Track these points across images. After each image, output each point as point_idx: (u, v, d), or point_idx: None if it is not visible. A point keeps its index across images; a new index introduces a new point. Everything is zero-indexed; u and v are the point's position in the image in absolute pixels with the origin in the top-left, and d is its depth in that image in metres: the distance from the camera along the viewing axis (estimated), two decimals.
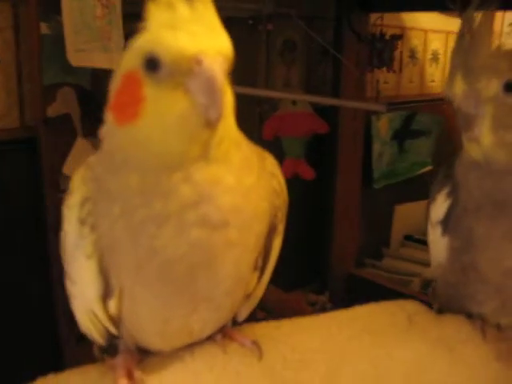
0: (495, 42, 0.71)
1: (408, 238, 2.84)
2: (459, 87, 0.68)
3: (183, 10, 0.54)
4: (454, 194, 0.78)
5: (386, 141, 2.72)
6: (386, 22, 2.64)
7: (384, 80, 2.82)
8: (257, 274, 0.73)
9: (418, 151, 2.84)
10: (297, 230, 2.64)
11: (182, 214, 0.58)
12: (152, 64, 0.55)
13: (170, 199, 0.57)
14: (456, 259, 0.80)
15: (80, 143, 1.78)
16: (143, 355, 0.73)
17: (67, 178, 1.76)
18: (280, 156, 2.22)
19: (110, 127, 0.59)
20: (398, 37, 2.51)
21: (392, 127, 2.74)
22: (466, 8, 0.80)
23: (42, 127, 1.62)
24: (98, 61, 1.65)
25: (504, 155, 0.70)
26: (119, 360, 0.71)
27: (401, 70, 2.79)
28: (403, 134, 2.75)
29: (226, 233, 0.60)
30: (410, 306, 0.85)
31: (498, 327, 0.81)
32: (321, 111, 2.32)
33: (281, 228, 0.72)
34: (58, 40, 1.59)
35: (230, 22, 2.04)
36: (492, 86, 0.68)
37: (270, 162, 0.70)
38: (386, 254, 2.81)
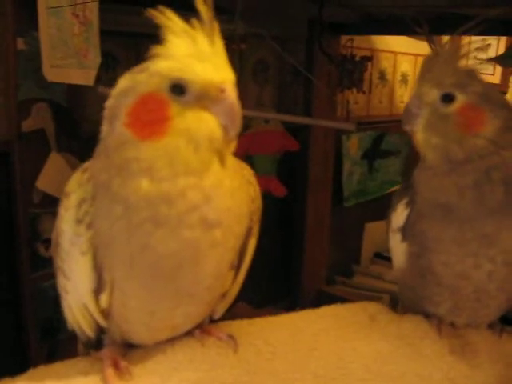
0: (459, 61, 0.80)
1: (378, 255, 2.89)
2: (414, 88, 0.79)
3: (204, 43, 0.65)
4: (412, 202, 0.84)
5: (356, 160, 2.78)
6: (356, 44, 2.71)
7: (354, 100, 2.89)
8: (232, 274, 0.78)
9: (388, 170, 2.90)
10: (268, 247, 2.69)
11: (184, 216, 0.65)
12: (179, 89, 0.64)
13: (176, 203, 0.65)
14: (414, 263, 0.86)
15: (54, 158, 1.78)
16: (128, 348, 0.79)
17: (40, 193, 1.76)
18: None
19: (124, 141, 0.66)
20: (368, 58, 2.60)
21: (362, 147, 2.81)
22: (432, 32, 0.88)
23: (16, 142, 1.61)
24: (73, 77, 1.67)
25: (431, 155, 0.78)
26: (106, 351, 0.77)
27: (371, 91, 2.87)
28: (373, 154, 2.82)
29: (213, 233, 0.68)
30: (372, 307, 0.91)
31: (453, 325, 0.87)
32: (293, 130, 2.38)
33: (255, 230, 0.78)
34: (34, 55, 1.61)
35: None
36: (432, 94, 0.78)
37: (248, 171, 0.79)
38: (356, 272, 2.86)
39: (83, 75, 1.67)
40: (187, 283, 0.70)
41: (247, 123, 2.26)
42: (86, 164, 0.72)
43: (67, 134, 1.77)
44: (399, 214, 0.87)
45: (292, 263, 2.69)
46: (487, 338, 0.86)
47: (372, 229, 2.93)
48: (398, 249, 0.89)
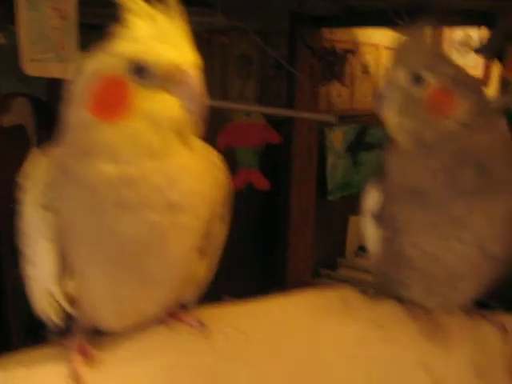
0: (429, 45, 0.81)
1: (362, 248, 2.90)
2: (386, 72, 0.80)
3: (167, 25, 0.64)
4: (381, 185, 0.85)
5: (340, 153, 2.79)
6: (339, 37, 2.72)
7: (337, 94, 2.90)
8: (201, 259, 0.78)
9: (372, 164, 2.91)
10: (253, 240, 2.70)
11: (149, 199, 0.65)
12: (140, 71, 0.64)
13: (140, 186, 0.65)
14: (386, 247, 0.86)
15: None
16: (97, 336, 0.78)
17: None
18: (234, 166, 2.28)
19: (86, 124, 0.66)
20: (349, 51, 2.60)
21: (346, 140, 2.81)
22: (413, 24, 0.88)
23: None
24: (53, 71, 1.66)
25: (404, 139, 0.78)
26: (74, 339, 0.76)
27: (353, 84, 2.88)
28: (357, 147, 2.82)
29: (178, 216, 0.67)
30: (345, 292, 0.91)
31: (425, 309, 0.87)
32: (275, 124, 2.38)
33: (222, 215, 0.77)
34: (13, 50, 1.61)
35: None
36: (403, 77, 0.78)
37: (214, 154, 0.78)
38: (341, 264, 2.88)
39: (62, 69, 1.66)
40: (152, 267, 0.69)
41: (229, 116, 2.26)
42: (48, 147, 0.72)
43: (47, 129, 1.77)
44: (370, 199, 0.87)
45: (277, 256, 2.69)
46: (459, 321, 0.86)
47: (357, 222, 2.93)
48: (371, 233, 0.89)
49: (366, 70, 2.99)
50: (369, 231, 0.89)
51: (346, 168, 2.82)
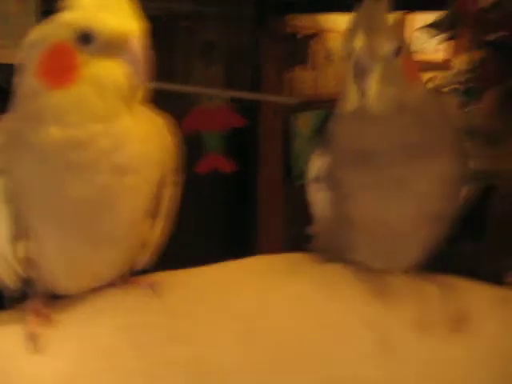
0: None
1: None
2: (359, 43, 0.78)
3: None
4: (325, 152, 0.88)
5: (306, 138, 2.82)
6: (303, 23, 2.75)
7: (301, 80, 2.94)
8: (150, 222, 0.81)
9: None
10: (222, 225, 2.73)
11: (96, 162, 0.68)
12: (85, 39, 0.67)
13: (87, 149, 0.68)
14: (332, 211, 0.90)
15: None
16: (53, 299, 0.81)
17: None
18: (200, 151, 2.30)
19: (34, 90, 0.68)
20: (311, 36, 2.63)
21: (312, 125, 2.84)
22: None
23: None
24: (14, 57, 1.67)
25: (382, 105, 0.79)
26: (29, 302, 0.79)
27: (318, 69, 2.91)
28: (324, 132, 2.86)
29: (126, 179, 0.71)
30: (294, 256, 0.95)
31: (371, 270, 0.91)
32: (241, 109, 2.41)
33: (172, 179, 0.80)
34: None
35: (148, 20, 2.10)
36: (386, 47, 0.79)
37: (163, 120, 0.81)
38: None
39: None
40: (103, 228, 0.72)
41: (193, 101, 2.29)
42: (1, 116, 0.74)
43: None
44: (314, 165, 0.90)
45: (246, 241, 2.73)
46: (403, 281, 0.90)
47: None
48: (316, 199, 0.92)
49: (330, 55, 3.03)
50: (313, 197, 0.93)
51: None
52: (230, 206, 2.76)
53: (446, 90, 1.74)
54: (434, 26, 1.59)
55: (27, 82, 0.69)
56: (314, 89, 3.03)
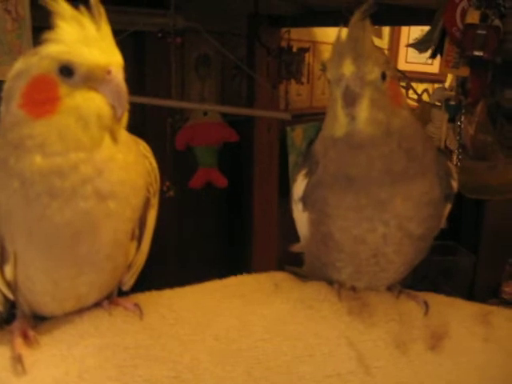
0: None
1: None
2: (348, 69, 0.79)
3: (91, 28, 0.70)
4: (311, 173, 0.89)
5: (301, 151, 2.83)
6: (298, 36, 2.77)
7: (297, 92, 2.96)
8: (135, 244, 0.83)
9: None
10: (216, 240, 2.74)
11: (77, 188, 0.70)
12: (67, 71, 0.70)
13: (70, 176, 0.70)
14: (316, 231, 0.91)
15: None
16: (39, 321, 0.83)
17: None
18: (193, 165, 2.32)
19: (18, 120, 0.71)
20: (306, 50, 2.66)
21: (307, 137, 2.86)
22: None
23: None
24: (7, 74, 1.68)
25: (371, 130, 0.81)
26: (16, 324, 0.80)
27: (309, 81, 2.94)
28: (310, 152, 2.87)
29: (108, 204, 0.73)
30: (278, 276, 0.97)
31: (354, 289, 0.93)
32: (236, 124, 2.43)
33: (154, 202, 0.83)
34: None
35: (143, 36, 2.13)
36: (374, 72, 0.81)
37: (143, 145, 0.83)
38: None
39: None
40: (85, 252, 0.74)
41: (187, 116, 2.31)
42: None
43: None
44: (299, 185, 0.92)
45: (241, 255, 2.74)
46: (385, 300, 0.92)
47: None
48: (301, 218, 0.94)
49: (324, 68, 3.05)
50: (298, 216, 0.94)
51: None
52: (224, 221, 2.78)
53: (438, 103, 1.76)
54: (422, 42, 1.61)
55: (11, 112, 0.71)
56: (309, 101, 3.05)
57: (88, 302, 0.83)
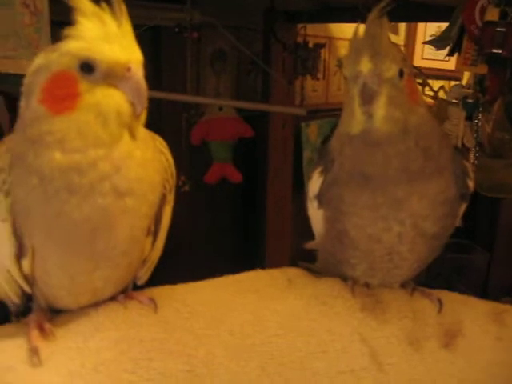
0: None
1: None
2: (365, 66, 0.79)
3: (112, 25, 0.71)
4: (327, 170, 0.89)
5: (316, 147, 2.83)
6: (314, 32, 2.76)
7: (313, 88, 2.95)
8: (150, 239, 0.83)
9: None
10: (230, 235, 2.75)
11: (95, 185, 0.71)
12: (87, 68, 0.70)
13: (89, 173, 0.71)
14: (331, 228, 0.91)
15: None
16: (55, 314, 0.84)
17: None
18: (208, 160, 2.33)
19: (38, 116, 0.71)
20: (322, 45, 2.65)
21: (322, 134, 2.85)
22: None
23: None
24: (26, 68, 1.69)
25: (388, 128, 0.81)
26: (32, 316, 0.82)
27: (329, 78, 2.93)
28: (326, 149, 2.87)
29: (125, 201, 0.73)
30: (291, 271, 0.97)
31: (367, 286, 0.93)
32: (251, 119, 2.43)
33: (170, 198, 0.84)
34: None
35: (159, 31, 2.13)
36: (392, 70, 0.80)
37: (160, 141, 0.84)
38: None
39: None
40: (102, 247, 0.75)
41: (202, 111, 2.31)
42: (5, 138, 0.77)
43: None
44: (314, 182, 0.92)
45: (254, 250, 2.74)
46: (398, 297, 0.92)
47: None
48: (316, 215, 0.94)
49: (340, 64, 3.04)
50: (314, 213, 0.94)
51: None
52: (239, 216, 2.78)
53: (455, 101, 1.74)
54: (440, 39, 1.60)
55: (31, 107, 0.72)
56: (325, 97, 3.04)
57: (103, 296, 0.84)
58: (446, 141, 0.90)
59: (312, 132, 2.86)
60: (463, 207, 0.93)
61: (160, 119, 2.26)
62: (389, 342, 0.86)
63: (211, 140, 2.26)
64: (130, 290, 0.87)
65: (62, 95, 0.70)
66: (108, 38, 0.70)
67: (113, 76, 0.71)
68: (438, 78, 3.18)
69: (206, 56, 2.52)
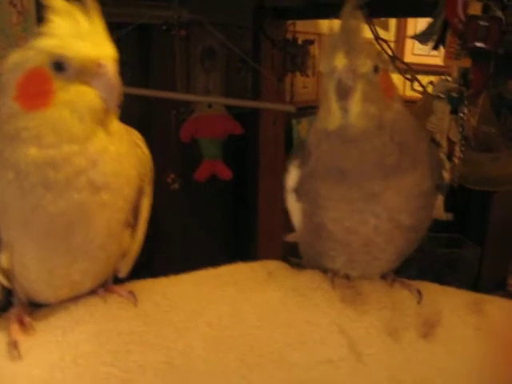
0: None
1: None
2: (340, 62, 0.79)
3: (83, 21, 0.71)
4: (304, 164, 0.90)
5: None
6: (303, 28, 2.76)
7: (303, 85, 2.96)
8: (129, 232, 0.84)
9: None
10: (221, 231, 2.75)
11: (71, 180, 0.72)
12: (59, 66, 0.71)
13: (62, 168, 0.71)
14: (309, 221, 0.92)
15: None
16: (35, 308, 0.85)
17: None
18: (198, 158, 2.33)
19: (14, 112, 0.72)
20: (311, 42, 2.65)
21: None
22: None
23: None
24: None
25: (363, 123, 0.81)
26: (13, 311, 0.82)
27: (314, 74, 2.93)
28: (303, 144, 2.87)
29: (101, 195, 0.74)
30: (272, 264, 0.98)
31: (347, 278, 0.93)
32: (241, 116, 2.43)
33: (147, 190, 0.84)
34: None
35: (147, 29, 2.14)
36: (367, 65, 0.80)
37: (136, 135, 0.85)
38: None
39: None
40: (79, 241, 0.76)
41: (192, 108, 2.32)
42: None
43: None
44: (292, 175, 0.93)
45: (246, 247, 2.75)
46: (378, 288, 0.93)
47: None
48: (294, 208, 0.95)
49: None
50: (292, 206, 0.95)
51: None
52: (230, 213, 2.79)
53: (442, 95, 1.75)
54: (424, 34, 1.61)
55: (7, 104, 0.73)
56: (316, 94, 3.05)
57: (83, 290, 0.84)
58: (422, 134, 0.91)
59: (303, 129, 2.86)
60: (440, 199, 0.94)
61: (149, 116, 2.27)
62: (368, 333, 0.87)
63: (201, 137, 2.27)
64: (110, 284, 0.88)
65: (35, 92, 0.71)
66: (79, 35, 0.71)
67: (85, 73, 0.71)
68: (428, 73, 3.19)
69: (196, 54, 2.52)
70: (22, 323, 0.80)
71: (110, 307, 0.83)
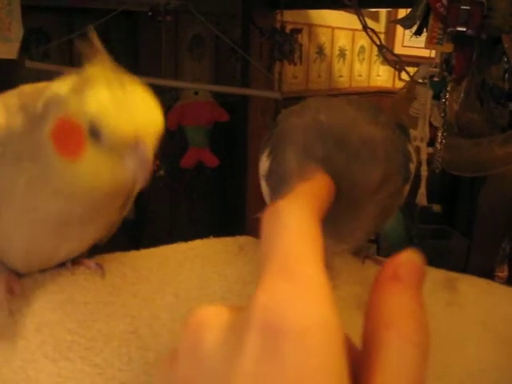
0: None
1: None
2: None
3: (129, 91, 0.63)
4: (273, 152, 0.90)
5: None
6: (292, 18, 2.77)
7: (293, 75, 2.96)
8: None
9: None
10: (210, 221, 2.75)
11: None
12: (95, 133, 0.65)
13: None
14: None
15: None
16: None
17: None
18: (185, 145, 2.34)
19: (45, 145, 0.67)
20: (298, 30, 2.65)
21: None
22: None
23: None
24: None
25: None
26: None
27: (302, 63, 2.93)
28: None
29: None
30: (244, 239, 0.97)
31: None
32: (229, 105, 2.44)
33: None
34: None
35: (136, 15, 2.15)
36: None
37: None
38: None
39: (7, 49, 1.71)
40: (74, 231, 0.76)
41: (178, 96, 2.32)
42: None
43: None
44: (263, 163, 0.93)
45: (235, 234, 2.75)
46: (350, 264, 0.93)
47: None
48: (266, 194, 0.95)
49: (320, 51, 3.05)
50: (264, 192, 0.96)
51: None
52: (218, 202, 2.79)
53: (424, 81, 1.75)
54: (407, 18, 1.61)
55: (43, 134, 0.68)
56: (305, 84, 3.05)
57: (55, 264, 0.84)
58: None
59: None
60: (406, 188, 0.93)
61: None
62: (338, 305, 0.86)
63: (186, 125, 2.27)
64: (83, 257, 0.87)
65: (68, 140, 0.67)
66: (123, 107, 0.64)
67: (118, 146, 0.65)
68: (418, 65, 3.19)
69: (185, 41, 2.52)
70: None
71: (77, 278, 0.83)
